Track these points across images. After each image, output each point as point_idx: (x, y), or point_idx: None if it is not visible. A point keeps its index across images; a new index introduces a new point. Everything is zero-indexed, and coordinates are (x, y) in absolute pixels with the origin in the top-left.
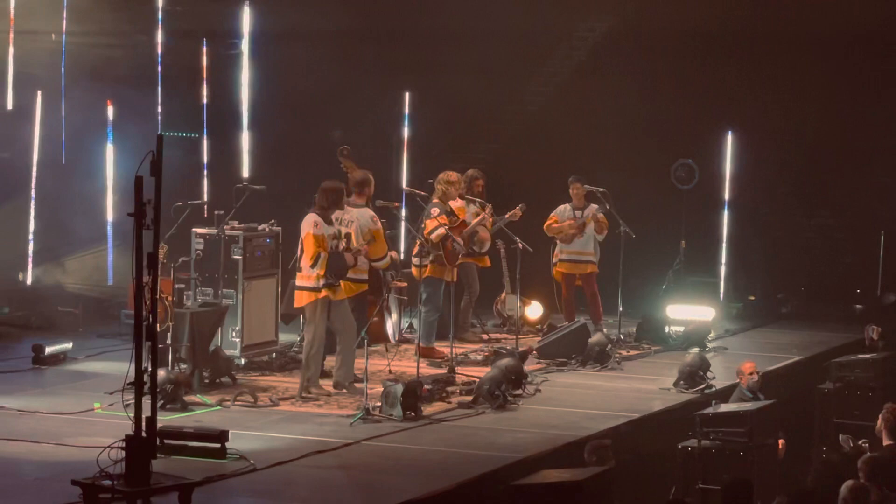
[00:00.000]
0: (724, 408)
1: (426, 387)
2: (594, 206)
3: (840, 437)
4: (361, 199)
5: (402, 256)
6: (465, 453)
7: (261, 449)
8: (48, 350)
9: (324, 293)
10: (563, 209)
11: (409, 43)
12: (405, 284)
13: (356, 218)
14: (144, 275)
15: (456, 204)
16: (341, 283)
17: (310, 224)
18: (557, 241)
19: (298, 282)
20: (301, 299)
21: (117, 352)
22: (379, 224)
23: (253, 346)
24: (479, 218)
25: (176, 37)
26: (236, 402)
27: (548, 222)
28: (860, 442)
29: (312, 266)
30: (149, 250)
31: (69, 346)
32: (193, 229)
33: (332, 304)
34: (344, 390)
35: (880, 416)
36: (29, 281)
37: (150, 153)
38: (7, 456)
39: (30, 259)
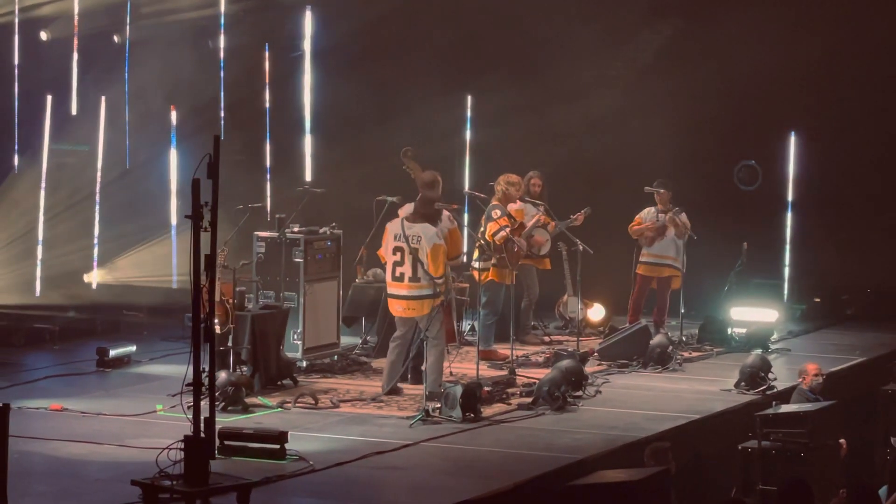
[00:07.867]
0: (785, 408)
1: (486, 388)
2: (676, 210)
3: (892, 439)
4: None
5: (464, 259)
6: (523, 454)
7: (320, 450)
8: (112, 353)
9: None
10: (648, 211)
11: (471, 46)
12: (467, 285)
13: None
14: (202, 277)
15: (515, 206)
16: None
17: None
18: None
19: (418, 290)
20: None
21: (180, 355)
22: (451, 224)
23: (314, 349)
24: (534, 220)
25: (239, 41)
26: (297, 404)
27: (632, 224)
28: None
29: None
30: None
31: (133, 349)
32: (255, 233)
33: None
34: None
35: None
36: (94, 285)
37: (206, 155)
38: (69, 457)
39: (95, 263)
